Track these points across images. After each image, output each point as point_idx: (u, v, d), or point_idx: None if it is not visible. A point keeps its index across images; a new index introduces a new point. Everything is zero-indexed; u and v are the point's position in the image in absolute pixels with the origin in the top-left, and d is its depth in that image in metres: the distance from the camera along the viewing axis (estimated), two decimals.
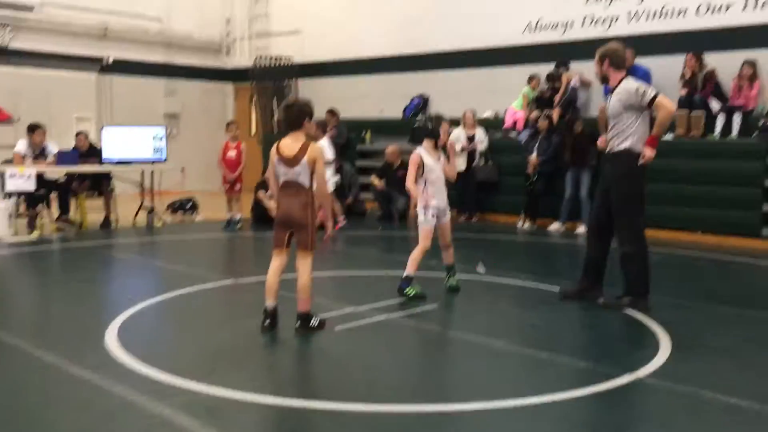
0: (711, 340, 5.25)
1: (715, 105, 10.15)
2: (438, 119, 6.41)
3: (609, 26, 11.63)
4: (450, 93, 13.29)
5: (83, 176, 10.58)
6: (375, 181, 12.16)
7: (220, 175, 11.08)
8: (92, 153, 10.75)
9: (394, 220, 11.55)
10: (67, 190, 10.59)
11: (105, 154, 10.66)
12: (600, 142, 6.23)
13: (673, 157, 9.50)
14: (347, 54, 15.11)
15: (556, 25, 12.29)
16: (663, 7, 11.15)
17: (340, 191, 11.46)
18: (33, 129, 10.24)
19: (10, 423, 3.64)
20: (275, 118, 15.47)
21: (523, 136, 11.66)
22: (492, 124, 12.44)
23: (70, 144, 11.04)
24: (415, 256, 6.23)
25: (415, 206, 6.43)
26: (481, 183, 11.85)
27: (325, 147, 9.65)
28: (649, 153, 5.73)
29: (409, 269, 6.21)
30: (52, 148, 10.31)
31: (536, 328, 5.55)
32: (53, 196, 10.53)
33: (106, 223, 10.71)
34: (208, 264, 8.46)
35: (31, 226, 9.85)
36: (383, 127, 14.01)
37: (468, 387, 4.26)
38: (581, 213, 10.48)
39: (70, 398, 4.00)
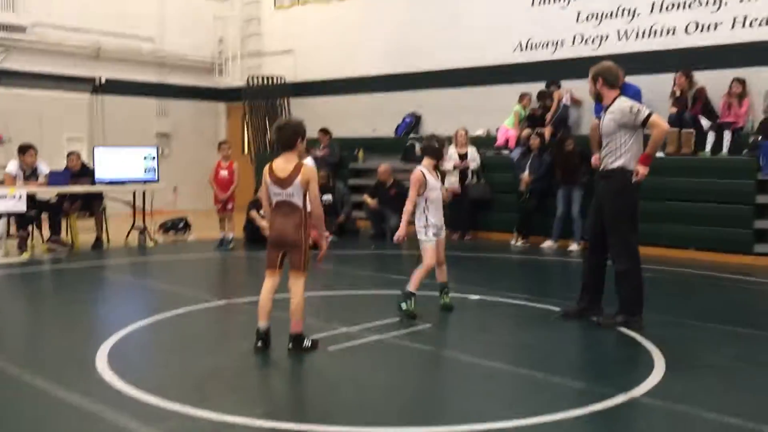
0: (705, 358, 5.25)
1: (705, 123, 10.22)
2: (441, 139, 6.53)
3: (599, 45, 11.73)
4: (442, 111, 13.34)
5: (75, 196, 10.53)
6: (368, 199, 12.16)
7: (212, 194, 11.06)
8: (84, 173, 10.71)
9: (386, 238, 11.54)
10: (58, 210, 10.53)
11: (97, 175, 10.64)
12: (594, 160, 6.25)
13: (664, 175, 9.54)
14: (339, 73, 15.18)
15: (547, 44, 12.38)
16: (652, 26, 11.25)
17: (332, 209, 11.47)
18: (24, 150, 10.21)
19: None
20: (268, 137, 15.48)
21: (515, 154, 11.71)
22: (484, 142, 12.48)
23: (61, 164, 11.00)
24: (419, 274, 6.27)
25: (407, 224, 6.43)
26: (475, 201, 11.87)
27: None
28: (642, 170, 5.76)
29: (412, 286, 6.24)
30: (44, 168, 10.27)
31: (530, 348, 5.54)
32: (44, 216, 10.47)
33: (97, 243, 10.65)
34: (200, 284, 8.41)
35: (22, 247, 9.78)
36: (376, 146, 14.04)
37: (462, 408, 4.23)
38: (573, 230, 10.52)
39: (59, 425, 3.94)
